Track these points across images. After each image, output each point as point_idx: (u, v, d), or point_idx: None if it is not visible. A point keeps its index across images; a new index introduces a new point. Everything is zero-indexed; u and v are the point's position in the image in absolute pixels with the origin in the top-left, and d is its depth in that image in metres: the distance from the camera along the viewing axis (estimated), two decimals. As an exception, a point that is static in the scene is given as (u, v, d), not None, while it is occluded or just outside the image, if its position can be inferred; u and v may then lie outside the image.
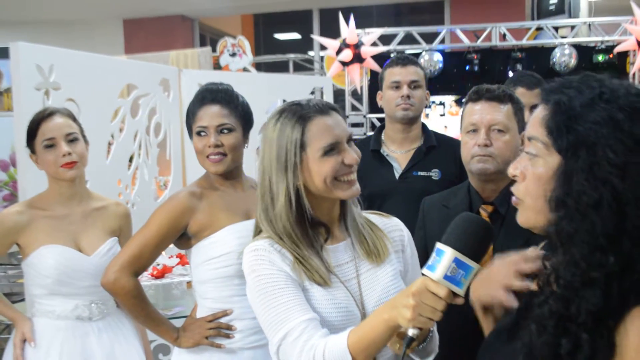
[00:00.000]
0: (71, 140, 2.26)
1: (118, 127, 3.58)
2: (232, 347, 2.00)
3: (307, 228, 1.49)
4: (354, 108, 7.39)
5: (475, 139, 1.92)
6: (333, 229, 1.55)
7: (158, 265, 3.18)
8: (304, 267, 1.45)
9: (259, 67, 8.34)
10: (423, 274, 1.18)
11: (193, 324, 2.04)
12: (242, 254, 1.90)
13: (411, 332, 1.21)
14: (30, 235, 2.23)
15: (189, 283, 3.28)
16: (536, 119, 1.13)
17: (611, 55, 7.07)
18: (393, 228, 1.63)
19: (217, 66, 7.46)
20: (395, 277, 1.54)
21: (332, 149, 1.45)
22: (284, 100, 4.79)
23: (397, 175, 2.78)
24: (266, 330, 1.42)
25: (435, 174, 2.74)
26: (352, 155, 1.47)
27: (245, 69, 7.44)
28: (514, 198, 1.18)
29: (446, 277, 1.15)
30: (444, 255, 1.16)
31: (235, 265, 1.93)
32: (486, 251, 1.19)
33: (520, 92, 2.66)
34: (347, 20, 6.88)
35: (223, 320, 2.00)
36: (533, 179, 1.12)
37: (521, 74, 2.92)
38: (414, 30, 7.28)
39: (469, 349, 1.34)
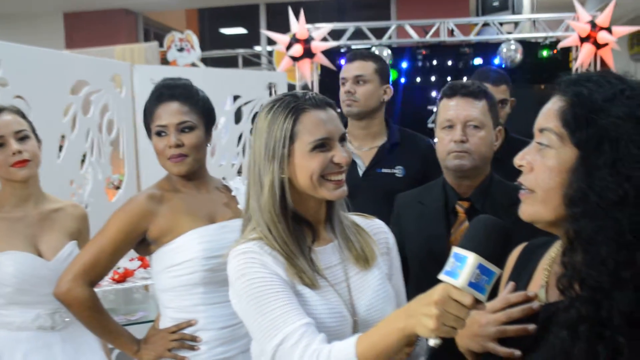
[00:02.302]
0: (21, 138, 2.12)
1: (69, 125, 3.44)
2: (197, 359, 1.90)
3: (291, 225, 1.43)
4: (304, 103, 7.34)
5: (451, 135, 1.91)
6: (319, 230, 1.50)
7: (119, 268, 3.07)
8: (293, 267, 1.39)
9: (206, 62, 8.21)
10: (442, 281, 1.12)
11: (155, 335, 1.94)
12: (207, 260, 1.86)
13: (432, 342, 1.14)
14: None
15: (146, 286, 3.19)
16: (550, 111, 1.10)
17: (555, 51, 7.27)
18: (377, 230, 1.60)
19: (164, 61, 7.32)
20: (383, 281, 1.51)
21: (322, 145, 1.40)
22: (235, 97, 4.72)
23: (360, 173, 2.74)
24: (259, 337, 1.34)
25: (399, 171, 2.71)
26: (342, 154, 1.42)
27: (193, 64, 7.31)
28: (522, 190, 1.15)
29: (470, 284, 1.08)
30: (467, 261, 1.09)
31: (200, 273, 1.87)
32: (506, 255, 1.15)
33: None
34: (296, 15, 6.84)
35: (187, 331, 1.89)
36: (544, 170, 1.09)
37: (486, 69, 2.95)
38: (364, 25, 7.30)
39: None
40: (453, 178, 1.97)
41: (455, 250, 1.12)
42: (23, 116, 2.20)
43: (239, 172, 4.76)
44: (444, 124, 1.94)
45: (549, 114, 1.10)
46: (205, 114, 2.00)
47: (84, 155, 3.62)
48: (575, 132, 1.05)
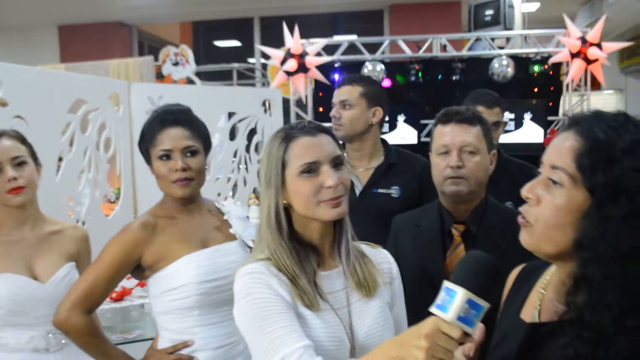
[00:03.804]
0: (18, 164, 2.13)
1: (67, 143, 3.47)
2: None
3: (295, 249, 1.48)
4: (298, 117, 7.39)
5: (447, 160, 1.95)
6: (324, 255, 1.53)
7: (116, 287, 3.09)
8: (297, 289, 1.43)
9: (200, 75, 8.24)
10: (432, 313, 1.15)
11: (153, 356, 1.98)
12: (201, 284, 1.90)
13: None
14: None
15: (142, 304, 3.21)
16: (565, 149, 1.11)
17: (546, 66, 7.35)
18: (382, 260, 1.63)
19: (159, 75, 7.34)
20: (384, 310, 1.54)
21: (309, 170, 1.45)
22: (230, 114, 4.76)
23: (357, 193, 2.78)
24: (258, 355, 1.38)
25: (394, 191, 2.74)
26: (332, 177, 1.44)
27: (188, 78, 7.34)
28: (520, 218, 1.17)
29: (459, 318, 1.11)
30: (456, 296, 1.12)
31: (194, 297, 1.92)
32: (495, 288, 1.19)
33: (480, 111, 2.72)
34: (290, 29, 6.89)
35: (184, 351, 1.94)
36: (551, 208, 1.11)
37: (480, 92, 2.99)
38: (358, 40, 7.36)
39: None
40: (449, 202, 2.01)
41: (446, 284, 1.15)
42: (23, 141, 2.21)
43: (235, 186, 4.79)
44: (440, 150, 1.98)
45: (563, 152, 1.11)
46: (205, 139, 2.05)
47: (81, 173, 3.64)
48: (591, 177, 1.06)
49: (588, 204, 1.07)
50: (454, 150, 1.94)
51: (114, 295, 3.06)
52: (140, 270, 1.99)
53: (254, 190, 4.65)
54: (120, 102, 3.96)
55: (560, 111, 7.60)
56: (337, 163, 1.48)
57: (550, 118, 7.32)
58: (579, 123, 1.13)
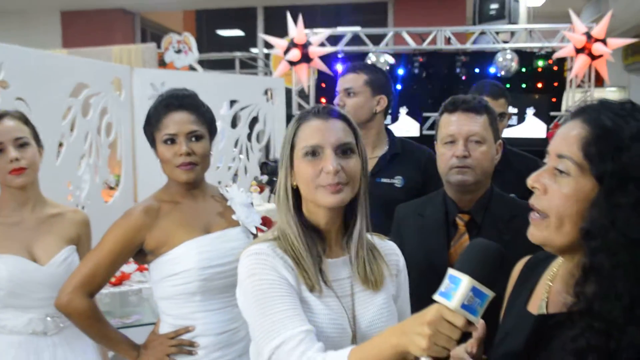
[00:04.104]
0: (21, 145, 2.11)
1: (69, 127, 3.44)
2: None
3: (303, 232, 1.47)
4: (300, 107, 7.37)
5: (453, 150, 1.93)
6: (331, 241, 1.52)
7: (116, 272, 3.07)
8: (301, 271, 1.42)
9: (202, 64, 8.20)
10: (436, 301, 1.14)
11: (155, 340, 1.98)
12: (204, 270, 1.90)
13: None
14: None
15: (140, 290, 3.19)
16: (571, 138, 1.11)
17: (550, 61, 7.32)
18: (389, 252, 1.62)
19: (161, 63, 7.31)
20: (389, 301, 1.53)
21: (313, 153, 1.43)
22: (232, 102, 4.74)
23: None
24: (259, 337, 1.36)
25: (398, 181, 2.73)
26: (332, 163, 1.41)
27: (190, 66, 7.31)
28: (534, 214, 1.16)
29: (463, 306, 1.10)
30: (461, 284, 1.11)
31: (197, 282, 1.91)
32: (500, 277, 1.17)
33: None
34: (294, 19, 6.86)
35: (186, 336, 1.94)
36: (559, 196, 1.10)
37: (485, 83, 2.97)
38: (362, 31, 7.33)
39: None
40: (454, 192, 1.99)
41: (451, 272, 1.14)
42: (26, 122, 2.19)
43: (235, 175, 4.78)
44: (446, 139, 1.96)
45: (570, 141, 1.10)
46: (210, 124, 2.05)
47: (82, 157, 3.62)
48: (599, 166, 1.05)
49: (596, 192, 1.06)
50: (460, 140, 1.92)
51: (112, 279, 3.04)
52: (142, 255, 1.99)
53: (255, 179, 4.63)
54: (122, 87, 3.94)
55: (563, 107, 7.57)
56: (344, 150, 1.45)
57: (552, 113, 7.30)
58: (585, 111, 1.12)
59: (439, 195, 2.07)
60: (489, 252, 1.15)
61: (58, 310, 1.93)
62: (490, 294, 1.12)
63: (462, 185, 1.93)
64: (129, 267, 3.13)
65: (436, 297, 1.14)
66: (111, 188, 4.69)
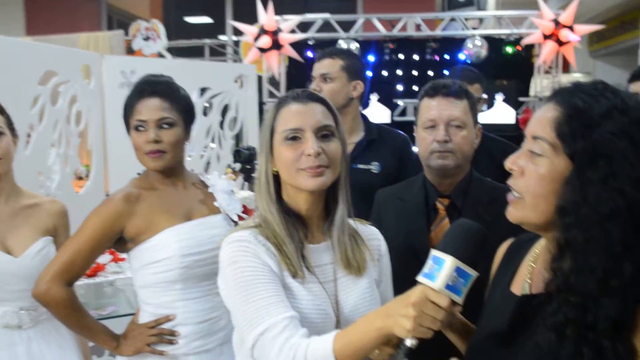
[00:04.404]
0: None
1: (37, 116, 3.37)
2: (175, 353, 1.92)
3: (283, 218, 1.46)
4: (271, 95, 7.33)
5: (433, 134, 1.93)
6: (312, 227, 1.51)
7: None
8: (283, 258, 1.41)
9: (171, 51, 8.08)
10: (420, 282, 1.15)
11: (134, 330, 1.95)
12: (185, 257, 1.88)
13: (409, 342, 1.17)
14: None
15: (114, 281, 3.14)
16: (545, 119, 1.13)
17: (519, 48, 7.39)
18: (371, 237, 1.62)
19: (129, 50, 7.19)
20: (371, 286, 1.53)
21: (293, 137, 1.43)
22: (203, 89, 4.68)
23: None
24: (242, 325, 1.36)
25: (374, 166, 2.73)
26: (313, 146, 1.41)
27: (159, 54, 7.20)
28: (511, 194, 1.18)
29: (447, 287, 1.11)
30: (445, 264, 1.12)
31: (177, 270, 1.89)
32: (483, 257, 1.19)
33: None
34: (264, 6, 6.80)
35: (166, 325, 1.92)
36: (535, 177, 1.12)
37: (461, 68, 2.99)
38: (332, 18, 7.30)
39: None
40: (434, 176, 1.99)
41: (434, 252, 1.15)
42: (1, 111, 2.14)
43: (208, 164, 4.73)
44: (426, 124, 1.95)
45: (543, 122, 1.13)
46: (186, 111, 2.00)
47: (52, 147, 3.55)
48: (570, 144, 1.07)
49: (570, 170, 1.08)
50: (441, 124, 1.92)
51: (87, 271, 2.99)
52: (122, 243, 1.95)
53: (228, 167, 4.59)
54: (91, 75, 3.86)
55: (531, 93, 7.67)
56: (325, 133, 1.45)
57: (521, 99, 7.38)
58: (558, 94, 1.15)
59: (418, 180, 2.07)
60: (472, 232, 1.17)
61: (36, 299, 1.87)
62: (473, 273, 1.14)
63: (443, 169, 1.94)
64: (104, 257, 3.08)
65: (420, 278, 1.14)
66: (80, 178, 4.61)
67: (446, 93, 1.94)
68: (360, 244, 1.55)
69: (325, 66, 2.77)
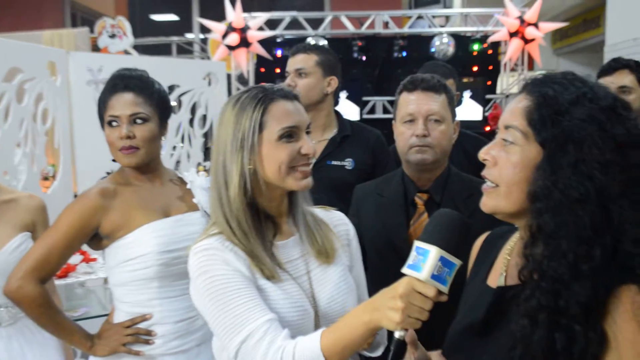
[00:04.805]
0: None
1: (3, 114, 3.28)
2: (151, 353, 1.89)
3: (256, 217, 1.44)
4: (240, 93, 7.26)
5: (412, 129, 1.93)
6: (281, 223, 1.50)
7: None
8: (254, 261, 1.39)
9: (137, 49, 7.97)
10: (406, 274, 1.15)
11: (109, 330, 1.91)
12: (162, 254, 1.84)
13: (398, 334, 1.17)
14: None
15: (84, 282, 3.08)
16: (516, 109, 1.15)
17: (485, 45, 7.46)
18: (338, 222, 1.61)
19: (95, 48, 7.05)
20: (345, 273, 1.52)
21: (289, 135, 1.41)
22: (171, 87, 4.62)
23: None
24: (221, 334, 1.33)
25: (348, 163, 2.72)
26: (310, 145, 1.43)
27: (126, 52, 7.09)
28: (485, 184, 1.19)
29: (433, 277, 1.13)
30: (429, 254, 1.13)
31: (154, 267, 1.86)
32: (466, 246, 1.19)
33: None
34: (232, 3, 6.74)
35: (142, 325, 1.88)
36: (508, 165, 1.14)
37: (434, 64, 3.00)
38: (300, 15, 7.28)
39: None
40: (413, 171, 1.99)
41: (417, 244, 1.16)
42: None
43: (178, 163, 4.68)
44: (405, 118, 1.96)
45: (515, 112, 1.15)
46: (160, 106, 1.97)
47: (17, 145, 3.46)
48: (541, 131, 1.10)
49: (541, 157, 1.10)
50: (420, 119, 1.92)
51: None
52: (97, 240, 1.91)
53: (199, 165, 4.54)
54: (57, 72, 3.77)
55: (498, 90, 7.75)
56: (308, 132, 1.46)
57: (488, 96, 7.46)
58: (530, 85, 1.17)
59: (397, 175, 2.07)
60: (454, 222, 1.18)
61: (7, 297, 1.82)
62: (457, 262, 1.15)
63: (421, 164, 1.94)
64: (75, 258, 3.02)
65: (405, 270, 1.15)
66: (46, 179, 4.51)
67: (425, 87, 1.94)
68: (326, 231, 1.54)
69: (300, 61, 2.74)
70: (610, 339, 1.00)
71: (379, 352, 1.52)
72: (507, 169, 1.14)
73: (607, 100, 1.09)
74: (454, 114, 2.00)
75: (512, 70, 7.59)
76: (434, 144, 1.92)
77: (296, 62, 2.75)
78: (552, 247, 1.05)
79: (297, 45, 2.88)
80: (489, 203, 1.18)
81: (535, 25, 7.00)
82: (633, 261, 1.02)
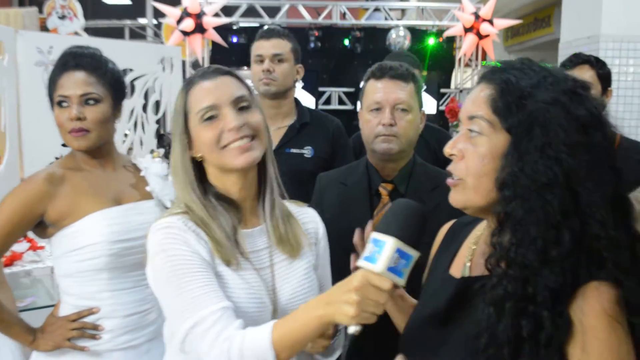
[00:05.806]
0: None
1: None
2: (98, 349, 1.79)
3: (211, 204, 1.39)
4: (194, 80, 7.13)
5: (379, 117, 1.90)
6: (245, 210, 1.45)
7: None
8: (215, 245, 1.34)
9: (88, 32, 7.71)
10: (361, 267, 1.12)
11: (54, 323, 1.80)
12: (113, 244, 1.76)
13: (353, 329, 1.13)
14: None
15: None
16: (479, 98, 1.13)
17: (441, 39, 7.54)
18: (308, 220, 1.57)
19: (44, 29, 6.80)
20: (309, 271, 1.48)
21: (210, 117, 1.36)
22: (123, 71, 4.48)
23: None
24: (173, 317, 1.29)
25: (307, 151, 2.69)
26: (233, 117, 1.35)
27: (76, 34, 6.86)
28: (450, 179, 1.16)
29: (389, 269, 1.09)
30: (385, 246, 1.10)
31: (104, 257, 1.77)
32: (423, 238, 1.16)
33: None
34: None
35: (89, 319, 1.79)
36: (475, 157, 1.12)
37: (399, 54, 2.99)
38: (257, 3, 7.19)
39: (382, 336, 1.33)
40: (378, 160, 1.96)
41: (374, 235, 1.12)
42: None
43: (130, 149, 4.55)
44: (372, 106, 1.92)
45: (478, 101, 1.13)
46: (114, 87, 1.88)
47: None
48: (507, 117, 1.08)
49: (508, 144, 1.08)
50: (387, 108, 1.89)
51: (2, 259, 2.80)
52: (42, 227, 1.81)
53: (151, 152, 4.42)
54: (4, 52, 3.60)
55: (452, 84, 7.85)
56: (243, 105, 1.39)
57: (442, 90, 7.54)
58: (489, 73, 1.15)
59: (361, 164, 2.04)
60: (412, 212, 1.15)
61: None
62: (415, 254, 1.12)
63: (387, 153, 1.91)
64: (21, 245, 2.89)
65: (360, 262, 1.12)
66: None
67: (393, 75, 1.91)
68: (294, 225, 1.50)
69: (277, 46, 2.68)
70: (576, 327, 0.99)
71: (333, 358, 1.48)
72: (475, 162, 1.11)
73: (567, 82, 1.09)
74: (421, 104, 1.98)
75: (467, 65, 7.69)
76: (400, 133, 1.89)
77: (272, 46, 2.68)
78: (520, 234, 1.04)
79: (267, 28, 2.82)
80: (459, 198, 1.16)
81: (490, 21, 7.10)
82: (599, 243, 1.02)
